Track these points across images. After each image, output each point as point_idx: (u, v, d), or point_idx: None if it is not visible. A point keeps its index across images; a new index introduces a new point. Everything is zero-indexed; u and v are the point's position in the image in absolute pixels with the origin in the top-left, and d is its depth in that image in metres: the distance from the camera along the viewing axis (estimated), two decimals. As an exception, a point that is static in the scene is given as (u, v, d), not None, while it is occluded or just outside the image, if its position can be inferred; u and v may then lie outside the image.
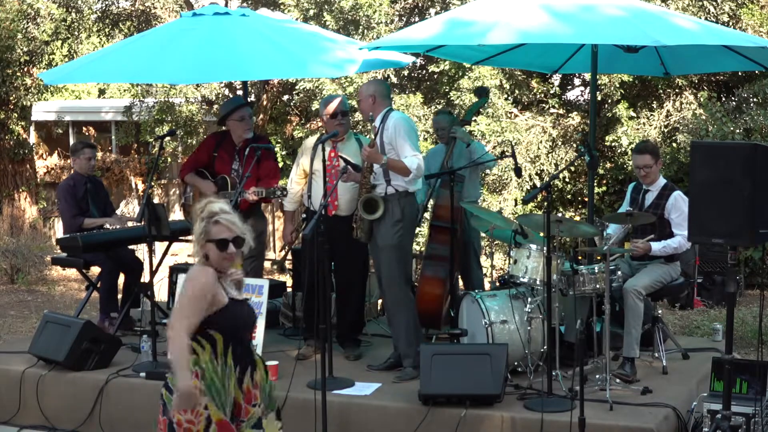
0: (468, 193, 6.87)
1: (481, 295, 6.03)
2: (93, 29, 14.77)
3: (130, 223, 7.49)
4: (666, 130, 11.90)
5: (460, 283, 7.04)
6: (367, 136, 6.75)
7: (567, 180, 12.76)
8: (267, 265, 11.39)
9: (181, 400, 3.58)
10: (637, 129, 11.84)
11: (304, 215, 6.86)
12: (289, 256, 7.65)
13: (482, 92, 7.25)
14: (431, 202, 6.84)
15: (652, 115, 12.00)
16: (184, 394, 3.56)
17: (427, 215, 7.34)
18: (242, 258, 3.95)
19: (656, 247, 6.06)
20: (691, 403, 5.44)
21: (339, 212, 6.38)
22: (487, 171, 11.61)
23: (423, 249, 8.72)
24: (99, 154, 17.12)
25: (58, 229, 16.03)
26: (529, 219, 6.35)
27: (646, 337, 6.18)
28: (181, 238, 7.26)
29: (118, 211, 9.07)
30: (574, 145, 12.38)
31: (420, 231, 9.74)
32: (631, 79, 11.66)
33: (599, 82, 11.13)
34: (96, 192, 7.61)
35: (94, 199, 7.54)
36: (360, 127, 11.41)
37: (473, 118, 7.82)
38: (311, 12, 12.18)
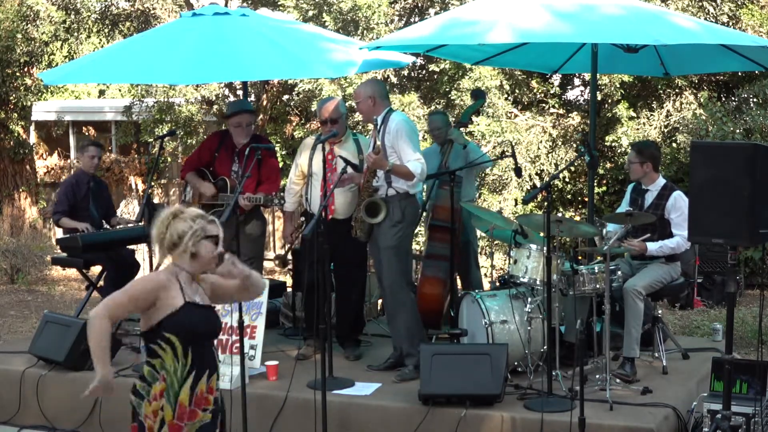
0: (465, 193, 6.87)
1: (481, 295, 6.02)
2: (93, 30, 14.74)
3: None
4: (666, 130, 11.89)
5: (459, 283, 7.04)
6: (366, 135, 6.74)
7: (567, 180, 12.76)
8: (268, 264, 11.39)
9: (98, 388, 3.55)
10: (637, 129, 11.84)
11: (302, 218, 6.85)
12: (289, 257, 7.63)
13: (479, 94, 7.26)
14: (429, 202, 6.84)
15: (652, 115, 11.99)
16: (102, 382, 3.54)
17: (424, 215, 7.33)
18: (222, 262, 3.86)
19: (652, 247, 6.05)
20: (691, 403, 5.44)
21: (336, 215, 6.37)
22: (487, 171, 11.63)
23: (422, 249, 8.70)
24: (99, 154, 17.14)
25: (58, 229, 16.01)
26: (529, 219, 6.35)
27: (646, 337, 6.18)
28: None
29: (118, 212, 9.09)
30: (574, 145, 12.38)
31: (419, 231, 9.73)
32: (631, 79, 11.66)
33: (599, 82, 11.13)
34: (99, 192, 7.60)
35: (96, 199, 7.54)
36: (360, 127, 11.40)
37: (470, 120, 7.80)
38: (310, 13, 12.16)
